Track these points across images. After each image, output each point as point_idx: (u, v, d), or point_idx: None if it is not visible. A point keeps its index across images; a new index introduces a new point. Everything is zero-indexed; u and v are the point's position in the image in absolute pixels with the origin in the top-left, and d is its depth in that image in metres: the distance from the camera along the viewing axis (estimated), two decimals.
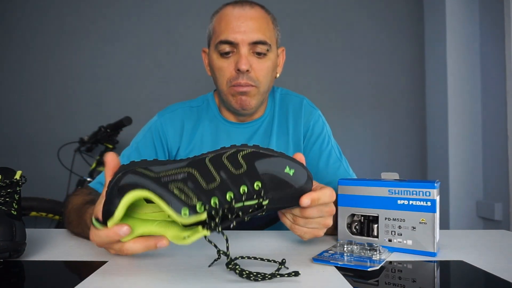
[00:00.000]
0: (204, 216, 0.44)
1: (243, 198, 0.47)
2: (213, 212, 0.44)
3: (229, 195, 0.46)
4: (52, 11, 2.07)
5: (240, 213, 0.46)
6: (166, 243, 0.48)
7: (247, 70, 0.80)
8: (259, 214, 0.49)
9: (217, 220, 0.44)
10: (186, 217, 0.43)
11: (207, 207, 0.44)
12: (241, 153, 0.50)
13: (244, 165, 0.49)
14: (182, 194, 0.44)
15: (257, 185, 0.48)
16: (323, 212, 0.56)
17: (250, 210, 0.48)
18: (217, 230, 0.44)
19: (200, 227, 0.45)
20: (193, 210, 0.44)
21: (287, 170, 0.51)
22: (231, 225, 0.46)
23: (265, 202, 0.48)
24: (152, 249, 0.49)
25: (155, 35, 2.10)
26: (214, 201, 0.45)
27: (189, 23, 2.08)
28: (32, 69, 2.06)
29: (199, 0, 2.07)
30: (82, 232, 0.67)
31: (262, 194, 0.48)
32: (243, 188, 0.47)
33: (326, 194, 0.55)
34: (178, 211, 0.43)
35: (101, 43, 2.08)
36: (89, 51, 2.08)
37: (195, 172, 0.47)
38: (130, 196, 0.44)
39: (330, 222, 0.58)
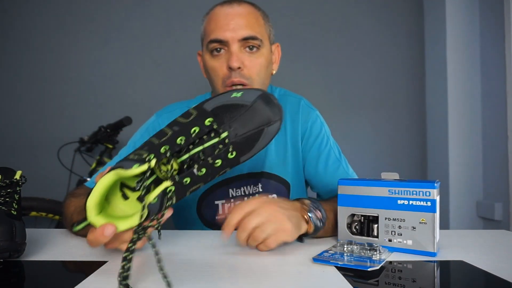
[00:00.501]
0: (153, 162, 0.44)
1: (196, 139, 0.46)
2: (164, 159, 0.45)
3: (180, 139, 0.46)
4: (52, 11, 2.06)
5: (209, 159, 0.46)
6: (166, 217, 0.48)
7: (239, 68, 0.80)
8: (230, 156, 0.48)
9: (171, 164, 0.45)
10: (136, 167, 0.44)
11: (152, 156, 0.45)
12: (193, 106, 0.50)
13: (194, 112, 0.49)
14: (135, 156, 0.46)
15: (208, 121, 0.47)
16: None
17: (216, 152, 0.47)
18: (176, 179, 0.45)
19: (161, 177, 0.46)
20: (142, 162, 0.45)
21: (233, 95, 0.50)
22: (196, 171, 0.46)
23: (224, 134, 0.47)
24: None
25: (154, 35, 2.10)
26: (164, 149, 0.46)
27: (189, 23, 2.08)
28: (31, 69, 2.06)
29: (199, 0, 2.06)
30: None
31: (216, 127, 0.47)
32: (194, 129, 0.47)
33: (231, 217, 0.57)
34: (129, 167, 0.44)
35: (101, 43, 2.08)
36: (89, 51, 2.08)
37: (153, 138, 0.48)
38: (100, 183, 0.45)
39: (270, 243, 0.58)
